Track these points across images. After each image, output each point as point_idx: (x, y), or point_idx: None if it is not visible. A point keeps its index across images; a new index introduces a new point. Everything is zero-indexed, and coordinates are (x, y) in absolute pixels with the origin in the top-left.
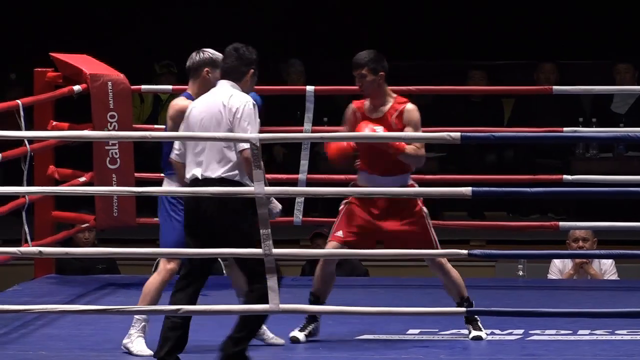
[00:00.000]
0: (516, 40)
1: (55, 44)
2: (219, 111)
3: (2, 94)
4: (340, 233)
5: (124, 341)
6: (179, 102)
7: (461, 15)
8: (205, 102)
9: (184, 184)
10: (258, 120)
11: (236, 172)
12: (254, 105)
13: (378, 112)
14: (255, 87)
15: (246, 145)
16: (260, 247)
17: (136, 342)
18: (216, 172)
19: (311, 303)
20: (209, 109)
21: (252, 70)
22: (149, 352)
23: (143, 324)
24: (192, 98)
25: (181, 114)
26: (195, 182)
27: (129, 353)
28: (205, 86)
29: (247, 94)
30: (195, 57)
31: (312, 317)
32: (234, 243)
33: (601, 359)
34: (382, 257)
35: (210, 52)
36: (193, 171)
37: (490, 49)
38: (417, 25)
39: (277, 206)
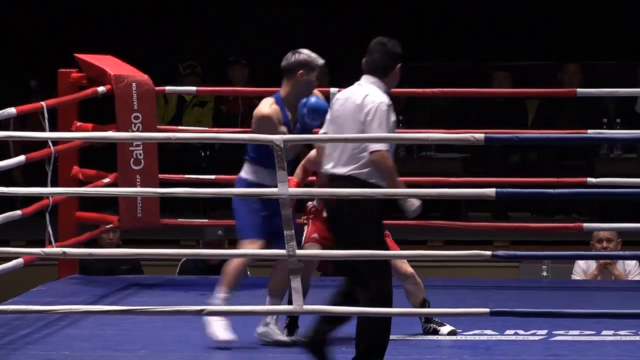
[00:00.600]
0: (540, 41)
1: (78, 45)
2: (353, 109)
3: (23, 102)
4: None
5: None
6: (263, 109)
7: (485, 17)
8: (345, 97)
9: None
10: (393, 119)
11: (363, 171)
12: (388, 105)
13: None
14: (278, 88)
15: (376, 147)
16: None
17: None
18: (344, 169)
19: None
20: (346, 105)
21: (398, 65)
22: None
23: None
24: (281, 99)
25: (263, 121)
26: (327, 176)
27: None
28: (298, 88)
29: (383, 91)
30: (290, 57)
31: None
32: (362, 243)
33: (625, 359)
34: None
35: (306, 54)
36: (326, 166)
37: (515, 50)
38: (440, 27)
39: (415, 203)
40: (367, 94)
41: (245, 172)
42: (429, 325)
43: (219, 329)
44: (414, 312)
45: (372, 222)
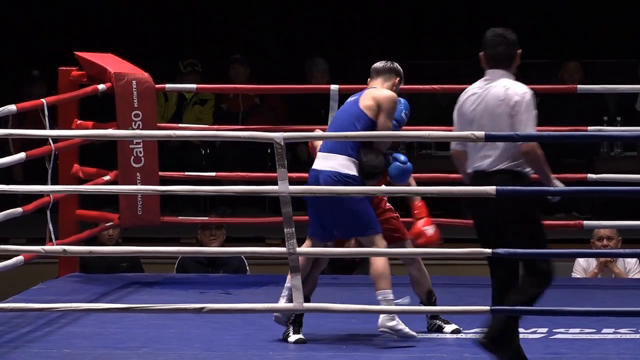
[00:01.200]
0: (541, 38)
1: (79, 42)
2: (497, 104)
3: (25, 90)
4: None
5: (390, 324)
6: (388, 91)
7: (485, 14)
8: (478, 94)
9: (464, 173)
10: (535, 111)
11: (517, 162)
12: (532, 94)
13: None
14: (279, 85)
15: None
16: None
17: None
18: (499, 164)
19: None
20: (485, 103)
21: (519, 51)
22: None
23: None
24: None
25: (394, 102)
26: (477, 174)
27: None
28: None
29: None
30: (388, 63)
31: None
32: (522, 240)
33: (625, 357)
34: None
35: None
36: (475, 164)
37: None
38: (440, 24)
39: (557, 183)
40: (507, 87)
41: (347, 169)
42: (434, 322)
43: (399, 325)
44: (417, 310)
45: (534, 217)
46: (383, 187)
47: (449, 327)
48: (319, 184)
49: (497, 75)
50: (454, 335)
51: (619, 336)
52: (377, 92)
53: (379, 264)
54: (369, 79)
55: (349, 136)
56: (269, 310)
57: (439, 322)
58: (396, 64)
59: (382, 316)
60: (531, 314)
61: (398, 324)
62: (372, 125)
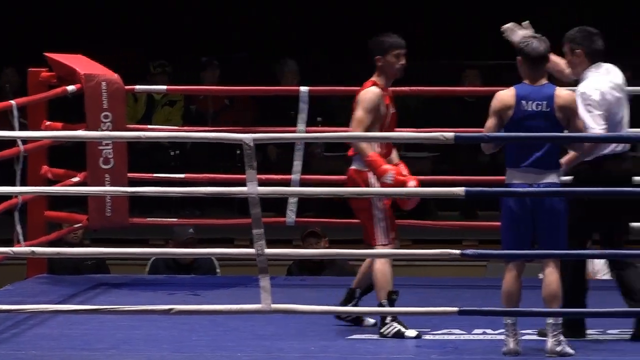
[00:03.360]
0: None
1: (48, 44)
2: (623, 94)
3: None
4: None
5: (559, 349)
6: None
7: (455, 15)
8: (612, 83)
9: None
10: None
11: None
12: None
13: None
14: (249, 87)
15: None
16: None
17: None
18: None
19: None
20: (618, 91)
21: None
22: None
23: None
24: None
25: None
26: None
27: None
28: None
29: None
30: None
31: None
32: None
33: (593, 358)
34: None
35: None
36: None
37: (485, 48)
38: (411, 25)
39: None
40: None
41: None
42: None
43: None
44: (384, 312)
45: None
46: (373, 189)
47: (410, 332)
48: None
49: (610, 67)
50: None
51: (587, 337)
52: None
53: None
54: None
55: (332, 137)
56: (238, 312)
57: (398, 326)
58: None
59: (549, 342)
60: (499, 315)
61: (565, 347)
62: None
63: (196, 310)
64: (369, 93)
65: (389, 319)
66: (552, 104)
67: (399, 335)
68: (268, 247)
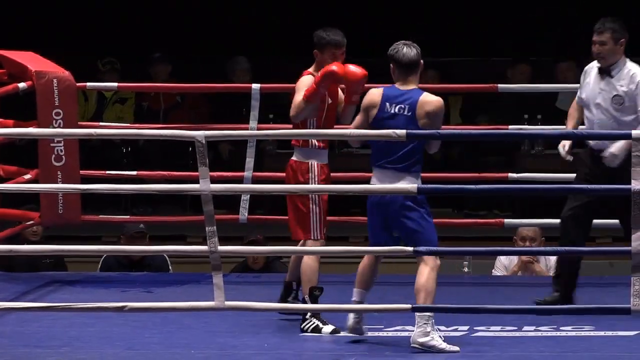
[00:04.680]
0: (468, 37)
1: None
2: None
3: None
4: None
5: (422, 340)
6: (438, 99)
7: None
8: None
9: None
10: None
11: None
12: None
13: None
14: (200, 85)
15: None
16: None
17: (435, 336)
18: None
19: None
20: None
21: None
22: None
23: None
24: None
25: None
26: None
27: (430, 349)
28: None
29: None
30: (412, 51)
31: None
32: None
33: (546, 354)
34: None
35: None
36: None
37: (441, 46)
38: (367, 23)
39: None
40: None
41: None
42: (313, 320)
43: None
44: (340, 309)
45: None
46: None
47: (327, 328)
48: None
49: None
50: (334, 335)
51: (539, 334)
52: (427, 101)
53: (426, 281)
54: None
55: (283, 135)
56: (191, 309)
57: (317, 322)
58: (413, 44)
59: (414, 332)
60: (452, 312)
61: (432, 339)
62: None
63: (149, 308)
64: (303, 79)
65: (309, 314)
66: (414, 108)
67: (316, 330)
68: (221, 245)
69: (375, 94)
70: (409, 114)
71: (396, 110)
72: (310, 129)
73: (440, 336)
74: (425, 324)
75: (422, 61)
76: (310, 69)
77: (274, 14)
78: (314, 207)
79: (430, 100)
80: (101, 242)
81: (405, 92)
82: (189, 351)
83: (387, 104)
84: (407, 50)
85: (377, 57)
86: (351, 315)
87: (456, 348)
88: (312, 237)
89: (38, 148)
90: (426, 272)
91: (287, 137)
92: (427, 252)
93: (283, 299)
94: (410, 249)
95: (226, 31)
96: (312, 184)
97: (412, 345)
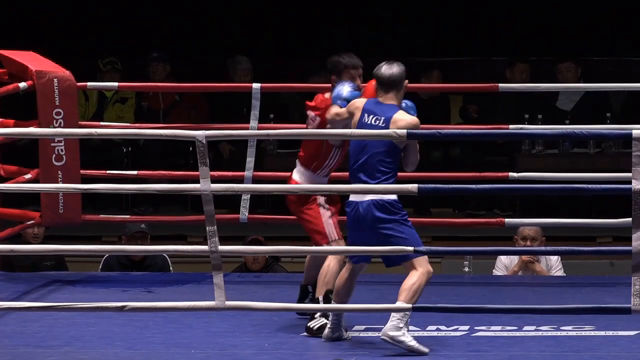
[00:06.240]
0: (469, 37)
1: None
2: None
3: None
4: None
5: (392, 333)
6: (412, 117)
7: (414, 13)
8: None
9: None
10: None
11: None
12: None
13: None
14: (200, 84)
15: None
16: None
17: (405, 333)
18: None
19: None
20: None
21: None
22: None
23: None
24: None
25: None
26: None
27: (399, 344)
28: (402, 97)
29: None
30: (394, 68)
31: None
32: None
33: (547, 354)
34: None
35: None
36: None
37: (443, 45)
38: (367, 23)
39: None
40: None
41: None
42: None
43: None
44: (341, 309)
45: None
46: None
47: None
48: None
49: None
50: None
51: (540, 333)
52: (401, 119)
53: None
54: None
55: (284, 134)
56: (192, 309)
57: (325, 322)
58: (397, 63)
59: (387, 324)
60: (453, 312)
61: (403, 335)
62: None
63: (150, 307)
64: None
65: (318, 313)
66: (388, 124)
67: (322, 329)
68: (221, 244)
69: (359, 102)
70: (383, 126)
71: (373, 121)
72: (334, 159)
73: (412, 336)
74: (399, 319)
75: (406, 80)
76: (327, 95)
77: (274, 14)
78: (323, 210)
79: (403, 119)
80: (102, 242)
81: (384, 106)
82: (189, 351)
83: (366, 115)
84: (387, 67)
85: (377, 57)
86: (327, 325)
87: (426, 349)
88: (330, 239)
89: (38, 148)
90: (416, 275)
91: (288, 137)
92: (428, 251)
93: (300, 302)
94: (411, 248)
95: (226, 31)
96: (318, 202)
97: (381, 337)
